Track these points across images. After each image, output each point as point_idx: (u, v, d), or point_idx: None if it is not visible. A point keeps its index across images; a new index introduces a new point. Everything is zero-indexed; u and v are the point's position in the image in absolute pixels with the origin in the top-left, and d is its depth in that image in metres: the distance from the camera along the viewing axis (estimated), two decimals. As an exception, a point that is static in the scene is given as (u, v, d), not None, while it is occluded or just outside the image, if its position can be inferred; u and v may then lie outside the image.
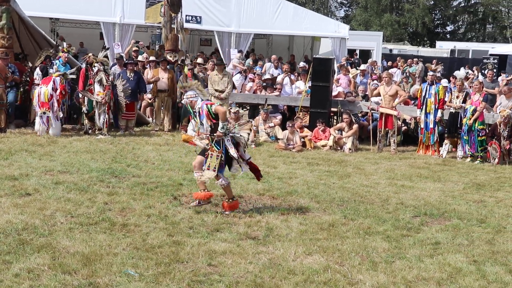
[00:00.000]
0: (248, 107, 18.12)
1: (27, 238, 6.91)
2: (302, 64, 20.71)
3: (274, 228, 7.83)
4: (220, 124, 8.28)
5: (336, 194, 9.81)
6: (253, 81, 18.04)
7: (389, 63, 28.87)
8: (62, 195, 8.81)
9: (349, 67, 21.63)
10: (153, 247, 6.89)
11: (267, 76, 19.24)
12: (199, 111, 8.44)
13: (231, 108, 14.66)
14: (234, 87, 16.96)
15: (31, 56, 16.39)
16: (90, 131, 14.29)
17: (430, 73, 15.22)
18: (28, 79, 15.41)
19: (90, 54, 14.78)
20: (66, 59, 14.68)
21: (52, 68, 14.50)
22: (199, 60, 18.71)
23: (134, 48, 20.31)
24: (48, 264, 6.19)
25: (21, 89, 15.41)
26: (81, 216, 7.85)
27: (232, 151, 8.26)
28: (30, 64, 16.27)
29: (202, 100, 8.48)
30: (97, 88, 13.99)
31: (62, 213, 7.90)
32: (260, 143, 14.62)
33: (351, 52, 27.57)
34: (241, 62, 20.10)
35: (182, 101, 8.54)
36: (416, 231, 8.06)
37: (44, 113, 13.55)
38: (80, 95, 14.47)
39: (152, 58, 17.47)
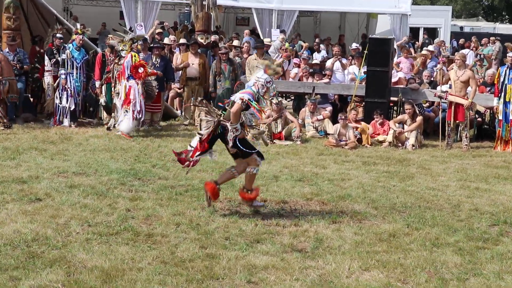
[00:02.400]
0: (293, 97, 18.10)
1: (37, 250, 6.99)
2: (355, 45, 20.55)
3: (324, 239, 7.78)
4: (231, 126, 8.52)
5: (397, 199, 9.71)
6: (299, 66, 17.98)
7: (461, 41, 28.50)
8: (77, 200, 8.91)
9: (411, 48, 21.44)
10: (183, 261, 6.90)
11: (315, 61, 19.16)
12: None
13: (272, 99, 14.65)
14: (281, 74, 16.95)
15: (41, 38, 16.66)
16: (112, 127, 14.42)
17: (510, 54, 14.95)
18: (38, 65, 15.66)
19: (110, 36, 14.92)
20: (81, 42, 14.86)
21: (64, 53, 14.70)
22: (235, 42, 18.73)
23: (158, 30, 20.46)
24: (62, 281, 6.25)
25: (30, 78, 15.68)
26: (100, 225, 7.91)
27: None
28: (38, 48, 16.56)
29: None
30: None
31: (78, 222, 7.98)
32: (307, 139, 14.57)
33: (414, 30, 27.29)
34: (284, 45, 20.04)
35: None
36: (494, 242, 7.92)
37: (127, 111, 13.71)
38: (97, 85, 14.64)
39: (181, 40, 17.55)
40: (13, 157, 11.40)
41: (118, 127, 13.81)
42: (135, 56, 13.68)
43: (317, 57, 20.60)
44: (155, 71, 14.43)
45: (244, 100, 8.41)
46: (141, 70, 13.54)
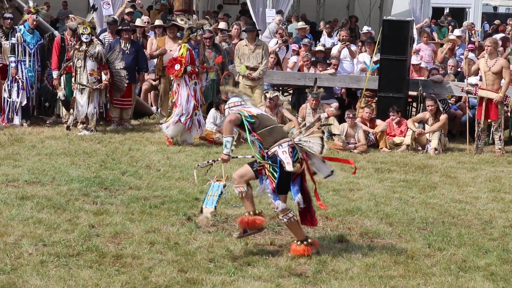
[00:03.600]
0: (291, 91, 18.09)
1: (-18, 274, 6.99)
2: (366, 29, 20.60)
3: (328, 261, 7.80)
4: (224, 140, 8.28)
5: (417, 213, 9.74)
6: (298, 54, 17.99)
7: (495, 23, 28.58)
8: (30, 215, 8.88)
9: (434, 33, 21.50)
10: (158, 287, 6.90)
11: (318, 48, 19.18)
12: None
13: (267, 93, 14.68)
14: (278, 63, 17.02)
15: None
16: (71, 125, 14.40)
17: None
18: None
19: (72, 16, 14.90)
20: (34, 23, 14.78)
21: (14, 37, 14.62)
22: (222, 25, 18.74)
23: (128, 10, 20.43)
24: (12, 312, 6.26)
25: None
26: (58, 244, 7.89)
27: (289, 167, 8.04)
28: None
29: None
30: (90, 65, 14.10)
31: (31, 241, 7.95)
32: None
33: (438, 11, 27.37)
34: (281, 29, 20.06)
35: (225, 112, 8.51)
36: (533, 266, 7.96)
37: (196, 113, 13.75)
38: (55, 76, 14.61)
39: (157, 22, 17.56)
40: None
41: (166, 130, 13.73)
42: (184, 48, 13.58)
43: (326, 43, 20.58)
44: (195, 70, 13.93)
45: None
46: (177, 67, 13.45)
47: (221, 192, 8.24)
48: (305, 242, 8.05)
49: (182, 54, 13.57)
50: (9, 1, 15.68)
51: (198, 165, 8.96)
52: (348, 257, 7.94)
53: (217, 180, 8.38)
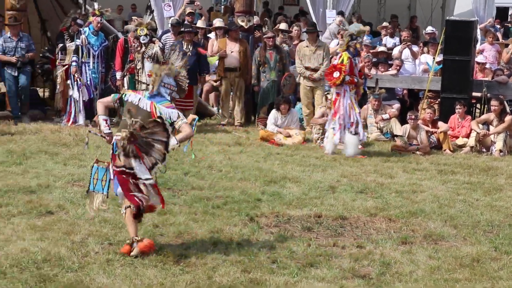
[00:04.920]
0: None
1: (49, 273, 7.09)
2: (430, 29, 20.42)
3: (392, 263, 7.77)
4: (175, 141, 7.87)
5: (482, 216, 9.64)
6: (359, 55, 17.92)
7: None
8: (96, 214, 9.01)
9: (498, 33, 21.21)
10: (222, 287, 6.95)
11: (381, 48, 19.08)
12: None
13: (327, 94, 14.66)
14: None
15: (52, 23, 16.88)
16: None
17: None
18: (48, 54, 15.89)
19: (134, 18, 15.07)
20: (98, 25, 15.02)
21: (79, 38, 14.89)
22: (282, 25, 18.76)
23: (189, 10, 20.54)
24: (79, 309, 6.36)
25: (39, 70, 15.92)
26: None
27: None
28: (49, 34, 16.79)
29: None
30: (148, 66, 14.25)
31: (97, 239, 8.08)
32: (370, 143, 14.52)
33: (502, 11, 27.00)
34: (342, 30, 19.99)
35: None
36: None
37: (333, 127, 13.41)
38: (118, 77, 14.79)
39: (218, 23, 17.64)
40: (19, 162, 11.59)
41: (324, 147, 13.49)
42: (345, 56, 13.33)
43: (387, 43, 20.45)
44: (353, 81, 13.56)
45: None
46: (336, 74, 13.20)
47: (110, 178, 7.92)
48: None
49: (342, 62, 13.26)
50: (79, 8, 15.89)
51: (90, 131, 8.65)
52: (412, 259, 7.90)
53: (98, 162, 8.07)
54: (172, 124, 7.87)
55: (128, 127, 7.69)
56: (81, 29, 15.11)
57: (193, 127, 8.23)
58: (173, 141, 7.80)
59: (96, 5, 15.04)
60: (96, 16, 15.03)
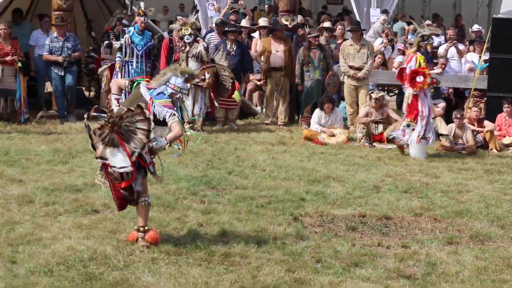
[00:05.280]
0: (397, 91, 17.94)
1: (95, 271, 7.15)
2: (476, 28, 20.23)
3: (437, 263, 7.71)
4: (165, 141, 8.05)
5: (530, 216, 9.55)
6: (404, 53, 17.81)
7: None
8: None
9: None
10: (266, 286, 6.95)
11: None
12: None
13: (372, 93, 14.60)
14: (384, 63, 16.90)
15: (97, 23, 17.03)
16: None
17: None
18: (93, 54, 16.03)
19: (179, 18, 15.13)
20: (142, 25, 15.10)
21: (122, 38, 14.99)
22: (326, 24, 18.70)
23: (233, 9, 20.56)
24: (125, 307, 6.41)
25: (85, 69, 16.07)
26: (168, 242, 8.02)
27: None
28: (93, 34, 16.94)
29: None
30: (192, 66, 14.31)
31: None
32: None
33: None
34: (387, 28, 19.90)
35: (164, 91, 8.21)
36: None
37: (409, 125, 13.28)
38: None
39: (263, 22, 17.63)
40: (65, 161, 11.70)
41: (410, 152, 13.23)
42: (420, 59, 13.17)
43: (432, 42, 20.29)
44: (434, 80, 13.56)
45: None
46: (420, 79, 12.98)
47: None
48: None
49: (420, 65, 13.08)
50: (125, 9, 15.98)
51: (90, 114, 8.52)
52: (458, 259, 7.84)
53: None
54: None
55: (109, 116, 7.88)
56: (125, 28, 15.21)
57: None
58: (163, 142, 7.99)
59: (142, 4, 15.11)
60: (140, 16, 15.11)
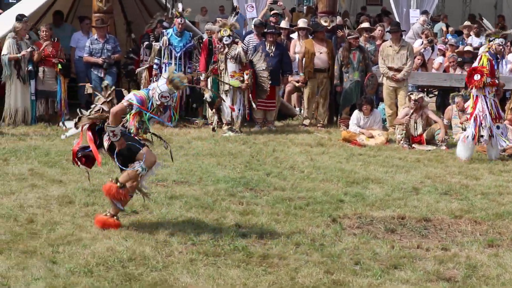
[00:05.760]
0: (436, 92, 17.84)
1: (135, 272, 7.19)
2: (517, 28, 20.05)
3: (478, 266, 7.65)
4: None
5: None
6: (444, 54, 17.72)
7: None
8: (179, 214, 9.12)
9: None
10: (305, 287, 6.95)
11: (467, 48, 18.80)
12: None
13: (411, 94, 14.52)
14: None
15: (136, 24, 17.13)
16: (216, 127, 14.70)
17: None
18: (133, 55, 16.12)
19: (218, 19, 15.14)
20: (180, 26, 15.09)
21: (160, 40, 15.04)
22: (365, 24, 18.62)
23: (273, 11, 20.56)
24: (163, 308, 6.42)
25: (124, 71, 16.17)
26: (206, 243, 8.05)
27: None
28: (133, 36, 17.05)
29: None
30: (231, 67, 14.33)
31: (180, 239, 8.15)
32: (455, 143, 14.30)
33: None
34: (426, 29, 19.78)
35: (165, 101, 8.47)
36: None
37: (498, 127, 13.10)
38: (202, 78, 14.90)
39: (302, 24, 17.61)
40: (105, 162, 11.70)
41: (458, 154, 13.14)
42: (484, 58, 12.93)
43: (473, 43, 20.14)
44: (494, 82, 13.04)
45: (130, 103, 8.35)
46: (477, 77, 12.72)
47: None
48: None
49: (483, 64, 12.93)
50: (165, 11, 15.97)
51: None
52: (499, 262, 7.76)
53: None
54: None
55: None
56: (163, 30, 15.26)
57: None
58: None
59: (180, 6, 15.14)
60: (177, 18, 15.12)
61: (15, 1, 22.63)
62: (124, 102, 8.38)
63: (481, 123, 12.81)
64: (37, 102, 14.99)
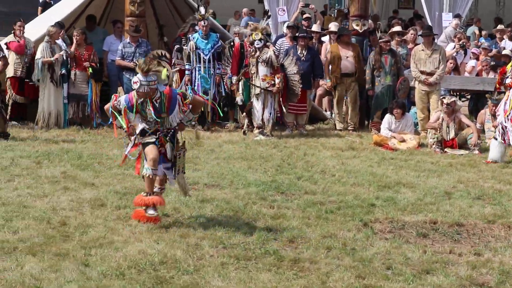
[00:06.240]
0: (469, 96, 17.73)
1: (166, 275, 7.21)
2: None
3: (511, 272, 7.58)
4: (191, 117, 9.11)
5: None
6: (477, 58, 17.61)
7: None
8: (210, 217, 9.15)
9: None
10: (336, 292, 6.94)
11: (504, 52, 18.62)
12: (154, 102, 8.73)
13: (443, 98, 14.43)
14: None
15: (169, 28, 17.18)
16: (247, 130, 14.71)
17: None
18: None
19: (250, 23, 15.14)
20: (204, 28, 15.01)
21: (187, 45, 15.05)
22: (397, 28, 18.56)
23: (306, 15, 20.55)
24: (195, 311, 6.44)
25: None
26: (237, 247, 8.07)
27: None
28: (165, 39, 17.09)
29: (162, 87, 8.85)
30: (262, 70, 14.34)
31: (211, 243, 8.16)
32: (488, 148, 14.21)
33: None
34: (459, 33, 19.67)
35: (136, 87, 8.76)
36: None
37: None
38: (234, 81, 14.92)
39: (334, 27, 17.58)
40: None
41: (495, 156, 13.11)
42: None
43: (506, 46, 19.97)
44: None
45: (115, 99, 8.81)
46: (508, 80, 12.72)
47: None
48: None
49: None
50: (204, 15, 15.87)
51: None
52: (534, 268, 7.72)
53: None
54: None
55: None
56: (189, 35, 15.27)
57: None
58: None
59: (202, 9, 15.08)
60: (199, 20, 15.09)
61: (52, 2, 22.80)
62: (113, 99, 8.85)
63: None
64: (69, 106, 15.08)
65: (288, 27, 16.99)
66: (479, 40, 21.32)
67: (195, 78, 15.11)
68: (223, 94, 15.41)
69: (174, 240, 8.17)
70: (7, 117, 14.45)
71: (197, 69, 15.11)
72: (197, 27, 15.46)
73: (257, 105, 14.43)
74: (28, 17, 18.23)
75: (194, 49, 15.08)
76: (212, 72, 15.17)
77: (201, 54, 15.11)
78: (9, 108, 15.01)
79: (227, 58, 15.26)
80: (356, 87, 15.77)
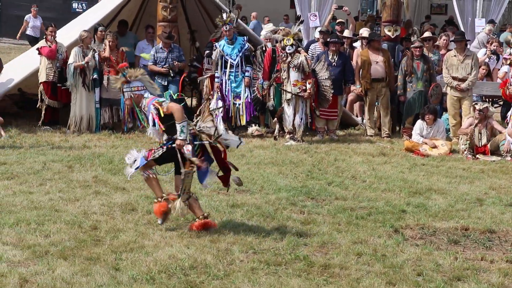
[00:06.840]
0: (502, 102, 17.60)
1: (196, 280, 7.24)
2: None
3: (544, 280, 7.55)
4: (178, 127, 8.54)
5: None
6: (510, 64, 17.47)
7: None
8: (240, 222, 9.16)
9: None
10: (366, 299, 6.92)
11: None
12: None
13: (476, 104, 14.34)
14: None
15: (200, 33, 17.23)
16: (278, 135, 14.70)
17: None
18: (196, 63, 16.18)
19: (281, 28, 15.13)
20: (227, 33, 14.93)
21: (214, 53, 15.07)
22: (426, 33, 18.47)
23: (339, 20, 20.48)
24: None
25: (187, 79, 16.24)
26: (267, 252, 8.07)
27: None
28: (197, 44, 17.14)
29: (148, 96, 8.86)
30: (293, 76, 14.34)
31: (241, 248, 8.18)
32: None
33: None
34: (493, 39, 19.55)
35: (125, 94, 8.89)
36: None
37: None
38: (265, 86, 14.92)
39: (365, 33, 17.53)
40: (167, 170, 11.81)
41: None
42: None
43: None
44: None
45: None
46: None
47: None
48: (159, 199, 8.80)
49: None
50: (236, 21, 15.77)
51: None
52: None
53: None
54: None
55: None
56: (215, 43, 15.24)
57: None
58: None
59: (224, 15, 15.02)
60: (222, 26, 15.06)
61: (81, 10, 22.96)
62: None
63: None
64: (101, 110, 15.16)
65: (320, 32, 17.00)
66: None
67: (225, 84, 15.11)
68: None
69: (205, 245, 8.20)
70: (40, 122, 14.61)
71: (227, 74, 15.08)
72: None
73: (288, 110, 14.42)
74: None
75: (221, 56, 15.04)
76: (239, 77, 15.10)
77: (229, 59, 15.05)
78: (43, 112, 15.13)
79: (259, 63, 15.25)
80: (388, 93, 15.71)
